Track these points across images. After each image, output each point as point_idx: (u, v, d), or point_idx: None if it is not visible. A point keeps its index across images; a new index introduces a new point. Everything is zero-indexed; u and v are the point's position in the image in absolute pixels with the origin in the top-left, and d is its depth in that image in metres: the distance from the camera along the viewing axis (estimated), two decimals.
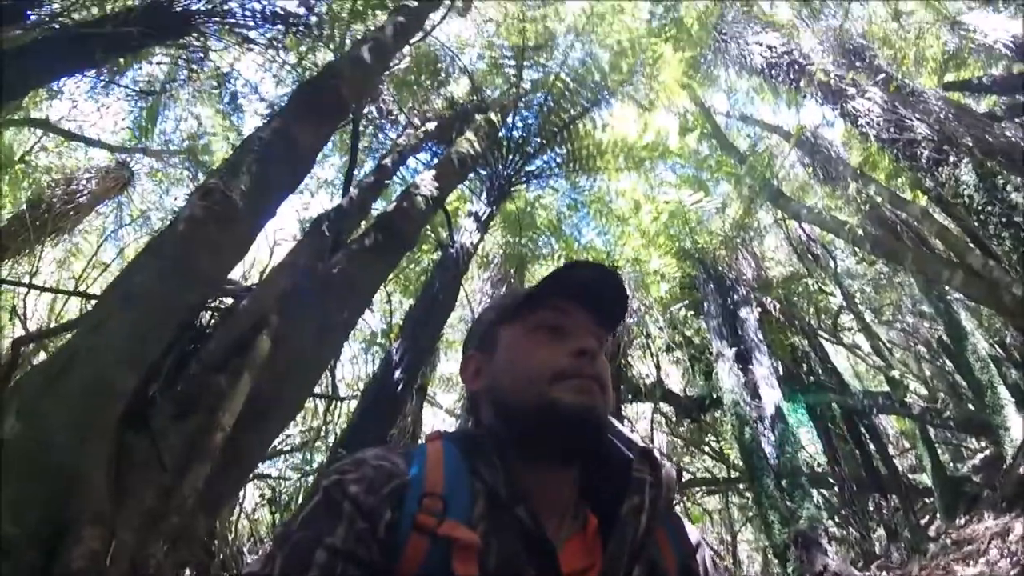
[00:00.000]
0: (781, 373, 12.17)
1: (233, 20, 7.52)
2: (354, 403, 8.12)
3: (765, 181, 11.52)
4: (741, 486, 13.90)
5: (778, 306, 13.33)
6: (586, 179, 11.58)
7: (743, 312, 11.94)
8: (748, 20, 10.37)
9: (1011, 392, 9.88)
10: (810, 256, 13.50)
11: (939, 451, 12.28)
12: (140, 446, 2.85)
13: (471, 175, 9.13)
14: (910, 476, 13.36)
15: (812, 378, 12.92)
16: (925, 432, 12.12)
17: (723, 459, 14.62)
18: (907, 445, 15.37)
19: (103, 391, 2.69)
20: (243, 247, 4.05)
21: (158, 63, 9.07)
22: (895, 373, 12.87)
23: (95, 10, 6.62)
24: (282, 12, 7.70)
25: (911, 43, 10.48)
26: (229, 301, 4.14)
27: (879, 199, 10.47)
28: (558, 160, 10.65)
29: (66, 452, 2.46)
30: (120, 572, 2.38)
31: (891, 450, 13.67)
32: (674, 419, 14.86)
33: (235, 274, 5.14)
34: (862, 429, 12.52)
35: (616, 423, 1.24)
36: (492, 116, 8.82)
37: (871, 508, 11.82)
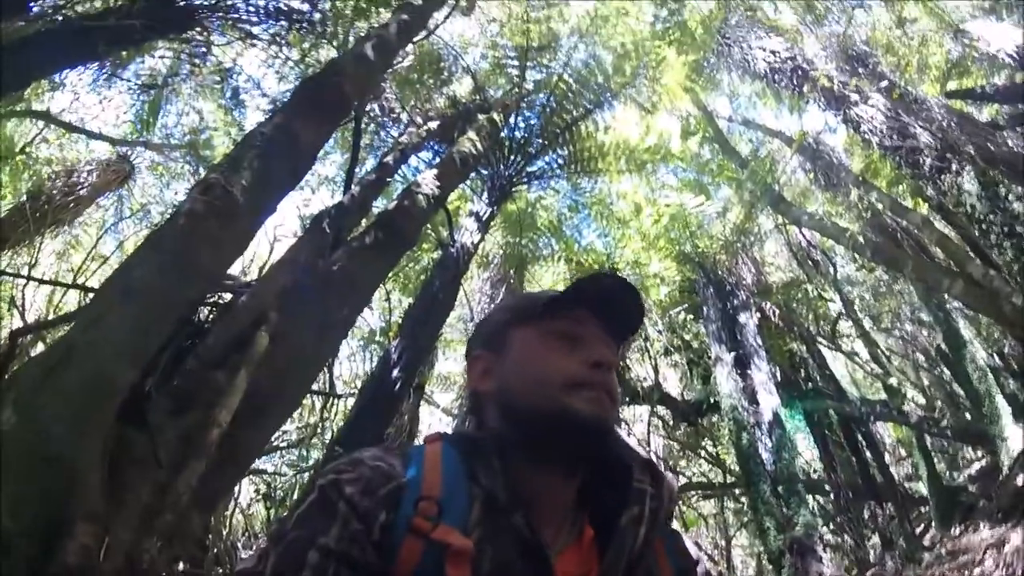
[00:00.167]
0: (779, 379, 12.17)
1: (236, 15, 7.52)
2: (351, 401, 8.12)
3: (766, 186, 11.51)
4: (737, 491, 13.89)
5: (777, 312, 13.34)
6: (587, 181, 11.58)
7: (742, 317, 11.95)
8: (752, 25, 10.36)
9: (1009, 402, 9.87)
10: (810, 262, 13.51)
11: (935, 460, 12.27)
12: (137, 442, 2.84)
13: (472, 175, 9.13)
14: (906, 484, 13.35)
15: (810, 384, 12.92)
16: (922, 440, 12.11)
17: (719, 464, 14.63)
18: (903, 453, 15.35)
19: (101, 386, 2.68)
20: (243, 243, 4.03)
21: (161, 57, 9.06)
22: (893, 381, 12.87)
23: (98, 3, 6.61)
24: (285, 8, 7.69)
25: (914, 51, 10.48)
26: (228, 297, 4.14)
27: (880, 206, 10.47)
28: (560, 161, 10.66)
29: (63, 447, 2.45)
30: (114, 568, 2.37)
31: (887, 458, 13.68)
32: (671, 423, 14.87)
33: (234, 270, 5.15)
34: (859, 436, 12.53)
35: (618, 431, 1.23)
36: (495, 116, 8.81)
37: (866, 516, 11.83)
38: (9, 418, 2.40)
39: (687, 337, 14.03)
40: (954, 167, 7.17)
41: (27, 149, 10.78)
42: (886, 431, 14.95)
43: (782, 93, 10.37)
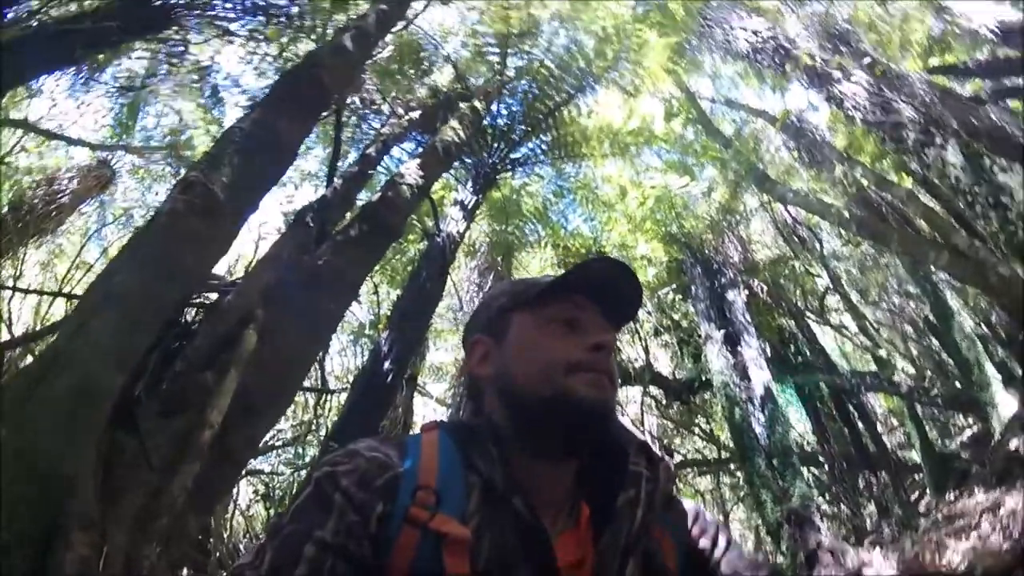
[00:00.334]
0: (769, 354, 12.22)
1: (213, 12, 7.47)
2: (344, 396, 8.13)
3: (751, 165, 11.53)
4: (732, 466, 13.99)
5: (765, 288, 13.38)
6: (572, 166, 11.58)
7: (730, 295, 11.98)
8: (733, 5, 10.33)
9: (998, 370, 9.93)
10: (796, 239, 13.53)
11: (927, 428, 12.36)
12: (128, 447, 2.83)
13: (456, 164, 9.11)
14: (899, 453, 13.44)
15: (800, 359, 12.99)
16: (913, 410, 12.19)
17: (713, 440, 14.71)
18: (895, 423, 15.46)
19: (89, 393, 2.67)
20: (227, 241, 4.01)
21: (138, 58, 8.94)
22: (882, 352, 12.95)
23: (73, 7, 6.54)
24: (263, 3, 7.65)
25: (896, 28, 10.47)
26: (214, 297, 4.12)
27: (864, 181, 10.49)
28: (543, 147, 10.64)
29: (54, 455, 2.44)
30: (114, 575, 2.37)
31: (880, 428, 13.76)
32: (664, 402, 14.92)
33: (220, 269, 5.12)
34: (851, 408, 12.61)
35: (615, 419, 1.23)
36: (476, 104, 8.78)
37: (861, 485, 11.92)
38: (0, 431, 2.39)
39: (676, 317, 14.08)
40: (938, 140, 7.19)
41: (6, 159, 10.66)
42: (877, 401, 15.03)
43: (764, 73, 10.34)
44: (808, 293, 14.30)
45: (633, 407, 13.65)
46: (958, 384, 10.95)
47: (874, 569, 8.22)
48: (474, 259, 12.69)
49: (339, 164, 6.85)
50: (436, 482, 1.04)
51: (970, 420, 12.83)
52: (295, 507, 1.00)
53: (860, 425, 12.49)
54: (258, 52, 8.37)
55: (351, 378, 10.22)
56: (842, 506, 11.81)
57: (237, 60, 8.82)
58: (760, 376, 10.60)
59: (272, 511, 8.27)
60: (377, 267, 8.41)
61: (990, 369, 9.82)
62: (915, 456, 12.07)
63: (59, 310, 9.44)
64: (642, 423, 13.05)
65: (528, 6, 9.53)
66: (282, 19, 7.90)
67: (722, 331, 11.35)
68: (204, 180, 3.56)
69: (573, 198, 12.81)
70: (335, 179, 6.17)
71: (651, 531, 1.12)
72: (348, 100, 8.64)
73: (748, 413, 10.30)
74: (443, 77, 10.25)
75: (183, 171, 10.88)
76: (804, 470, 10.18)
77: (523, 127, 10.09)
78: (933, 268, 10.16)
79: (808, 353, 13.02)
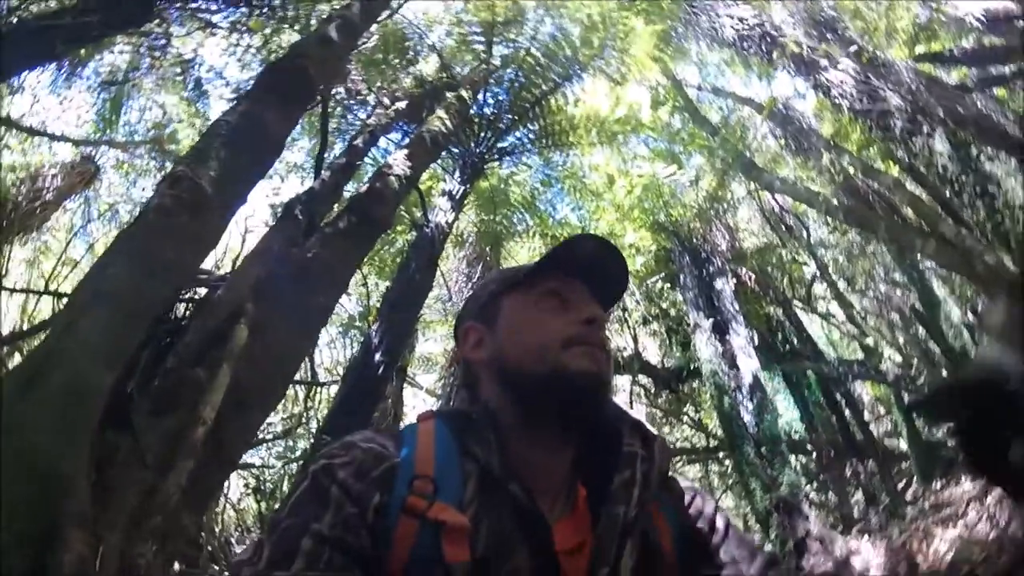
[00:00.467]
0: (757, 342, 12.28)
1: (195, 5, 7.40)
2: (334, 388, 8.10)
3: (738, 153, 11.56)
4: (721, 455, 14.07)
5: (753, 276, 13.43)
6: (559, 155, 11.60)
7: (719, 283, 12.02)
8: None
9: None
10: (783, 227, 13.58)
11: (914, 416, 12.47)
12: (122, 445, 2.81)
13: (443, 154, 9.08)
14: (886, 441, 13.54)
15: (788, 347, 13.06)
16: (900, 398, 12.28)
17: (702, 429, 14.80)
18: (882, 411, 15.59)
19: (80, 391, 2.63)
20: (215, 235, 3.97)
21: (120, 52, 8.88)
22: (869, 340, 13.03)
23: (53, 2, 6.45)
24: None
25: (882, 15, 10.49)
26: (203, 291, 4.09)
27: (851, 169, 10.54)
28: (530, 136, 10.65)
29: (46, 456, 2.41)
30: (110, 575, 2.35)
31: (867, 416, 13.88)
32: (653, 391, 14.99)
33: (208, 263, 5.07)
34: (838, 396, 12.70)
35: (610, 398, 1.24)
36: (463, 93, 8.74)
37: (849, 473, 12.02)
38: None
39: (665, 305, 14.12)
40: (925, 129, 7.22)
41: None
42: (864, 390, 15.16)
43: (751, 60, 10.36)
44: (795, 281, 14.37)
45: (622, 396, 13.68)
46: (945, 372, 11.04)
47: (862, 557, 8.30)
48: (462, 249, 12.69)
49: (326, 155, 6.81)
50: (433, 471, 1.03)
51: None
52: (292, 501, 1.00)
53: (848, 413, 12.60)
54: (241, 44, 8.30)
55: (341, 370, 10.20)
56: (830, 494, 11.92)
57: (220, 52, 8.75)
58: (748, 364, 10.67)
59: (263, 505, 8.24)
60: (366, 258, 8.37)
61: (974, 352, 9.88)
62: (902, 444, 12.16)
63: (46, 308, 9.37)
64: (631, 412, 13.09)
65: None
66: (265, 10, 7.84)
67: (710, 319, 11.39)
68: (191, 174, 3.52)
69: (561, 187, 12.86)
70: (322, 171, 6.13)
71: (648, 511, 1.12)
72: (334, 91, 8.59)
73: (737, 401, 10.37)
74: (429, 67, 10.20)
75: (168, 165, 10.85)
76: (792, 458, 10.24)
77: (510, 116, 10.09)
78: (920, 256, 10.22)
79: (796, 341, 13.11)
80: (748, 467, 9.59)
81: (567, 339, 1.14)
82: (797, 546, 8.30)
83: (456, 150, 9.69)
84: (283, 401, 7.96)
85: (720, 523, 1.22)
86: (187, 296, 3.98)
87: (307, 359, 7.00)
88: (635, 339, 13.49)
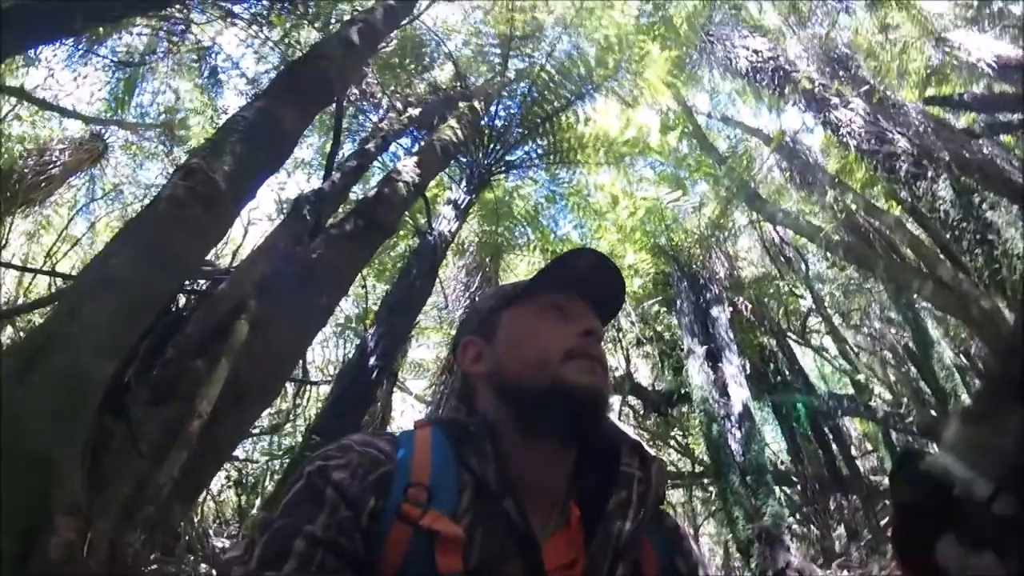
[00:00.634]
0: (749, 372, 12.30)
1: None
2: (325, 388, 8.09)
3: (742, 183, 11.61)
4: (706, 481, 14.07)
5: (749, 306, 13.46)
6: (565, 171, 11.61)
7: (715, 310, 12.04)
8: (736, 23, 10.42)
9: None
10: (782, 259, 13.66)
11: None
12: (117, 433, 2.80)
13: (451, 163, 9.09)
14: (872, 477, 13.57)
15: (779, 378, 13.08)
16: (888, 436, 12.33)
17: (688, 454, 14.80)
18: (870, 447, 15.64)
19: (80, 378, 2.62)
20: (223, 229, 3.99)
21: (138, 34, 8.87)
22: (861, 377, 13.07)
23: None
24: None
25: (895, 56, 10.58)
26: (206, 284, 4.09)
27: (854, 207, 10.60)
28: (539, 151, 10.67)
29: (43, 440, 2.40)
30: (98, 562, 2.35)
31: (854, 452, 13.90)
32: (642, 413, 14.99)
33: (209, 255, 5.08)
34: (826, 430, 12.72)
35: (608, 416, 1.23)
36: (475, 104, 8.76)
37: (833, 507, 12.03)
38: None
39: (659, 329, 14.12)
40: (930, 173, 7.28)
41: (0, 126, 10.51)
42: (853, 425, 15.19)
43: (762, 92, 10.43)
44: (791, 313, 14.43)
45: (611, 416, 13.68)
46: (934, 413, 11.07)
47: None
48: (463, 258, 12.69)
49: (336, 155, 6.82)
50: (428, 479, 1.03)
51: None
52: (286, 501, 0.99)
53: (835, 448, 12.62)
54: (260, 36, 8.31)
55: (331, 370, 10.19)
56: (813, 527, 11.92)
57: (238, 43, 8.77)
58: (739, 393, 10.67)
59: (244, 499, 8.22)
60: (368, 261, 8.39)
61: (967, 400, 9.92)
62: (887, 482, 12.20)
63: (43, 283, 9.36)
64: None
65: (532, 9, 9.54)
66: (286, 5, 7.86)
67: (704, 346, 11.40)
68: (206, 167, 3.53)
69: (565, 204, 12.87)
70: (333, 171, 6.13)
71: (639, 537, 1.10)
72: (348, 91, 8.61)
73: (725, 429, 10.37)
74: (443, 75, 10.25)
75: (176, 150, 10.86)
76: (777, 489, 10.24)
77: (520, 130, 10.11)
78: (916, 297, 10.27)
79: (787, 373, 13.13)
80: (732, 495, 9.58)
81: (566, 351, 1.13)
82: None
83: (464, 160, 9.69)
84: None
85: (701, 573, 1.22)
86: (190, 288, 3.98)
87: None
88: (628, 360, 13.51)
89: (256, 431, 8.96)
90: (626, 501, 1.09)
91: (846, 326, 14.29)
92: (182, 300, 3.89)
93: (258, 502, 7.94)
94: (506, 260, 13.08)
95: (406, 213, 8.39)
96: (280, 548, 0.91)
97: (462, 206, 9.10)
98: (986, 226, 6.90)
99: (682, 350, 12.14)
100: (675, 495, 16.16)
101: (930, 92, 10.61)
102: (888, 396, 12.73)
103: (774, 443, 12.72)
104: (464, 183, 9.49)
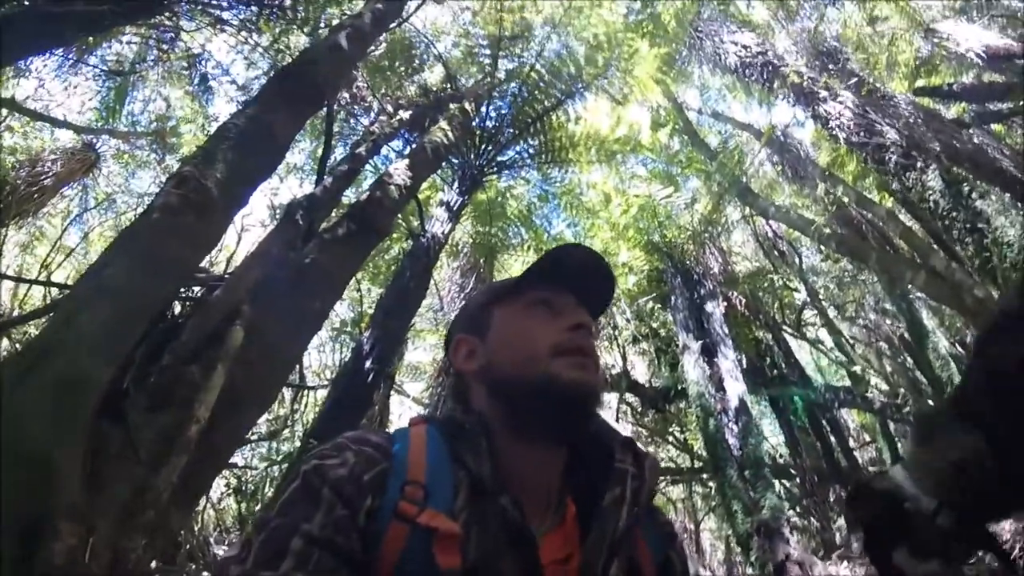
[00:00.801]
0: (745, 366, 12.33)
1: (206, 0, 7.41)
2: (322, 392, 8.09)
3: (734, 178, 11.63)
4: (704, 476, 14.07)
5: (744, 301, 13.48)
6: (558, 171, 11.59)
7: (709, 306, 12.05)
8: (724, 19, 10.45)
9: None
10: (776, 252, 13.68)
11: (899, 445, 12.53)
12: (115, 439, 2.82)
13: (443, 164, 9.09)
14: (870, 469, 13.59)
15: (776, 372, 13.10)
16: (886, 426, 12.36)
17: (687, 449, 14.79)
18: (867, 438, 15.67)
19: (78, 384, 2.64)
20: (217, 236, 4.00)
21: (128, 42, 8.88)
22: (857, 368, 13.11)
23: None
24: None
25: (884, 48, 10.63)
26: (201, 290, 4.10)
27: (846, 199, 10.64)
28: (530, 151, 10.66)
29: (42, 446, 2.41)
30: (100, 567, 2.36)
31: (852, 443, 13.93)
32: (639, 410, 15.00)
33: (203, 261, 5.09)
34: (824, 422, 12.75)
35: (599, 412, 1.25)
36: (466, 105, 8.77)
37: (832, 499, 12.05)
38: None
39: (655, 325, 14.12)
40: (919, 164, 7.31)
41: None
42: (850, 417, 15.22)
43: (752, 87, 10.46)
44: (786, 307, 14.44)
45: (608, 414, 13.69)
46: (931, 402, 11.11)
47: None
48: (457, 260, 12.69)
49: (328, 159, 6.82)
50: (424, 477, 1.03)
51: None
52: (282, 500, 0.99)
53: (833, 440, 12.63)
54: (249, 43, 8.31)
55: (329, 375, 10.19)
56: (812, 519, 11.93)
57: (228, 49, 8.77)
58: (735, 388, 10.69)
59: (244, 506, 8.21)
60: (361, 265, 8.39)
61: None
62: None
63: (38, 294, 9.33)
64: None
65: (521, 10, 9.55)
66: (275, 10, 7.86)
67: (699, 341, 11.42)
68: (198, 175, 3.54)
69: (557, 203, 12.88)
70: (324, 176, 6.14)
71: (632, 533, 1.12)
72: (338, 96, 8.61)
73: (722, 424, 10.39)
74: (434, 77, 10.25)
75: (168, 158, 10.86)
76: (776, 483, 10.26)
77: (511, 130, 10.10)
78: (910, 287, 10.30)
79: (784, 366, 13.14)
80: (731, 489, 9.60)
81: (556, 346, 1.15)
82: (777, 570, 8.32)
83: (456, 161, 9.69)
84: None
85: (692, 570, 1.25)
86: (185, 294, 3.99)
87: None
88: (624, 357, 13.51)
89: (255, 437, 8.96)
90: (620, 497, 1.11)
91: (841, 318, 14.33)
92: (177, 307, 3.90)
93: (258, 509, 7.94)
94: (500, 260, 13.07)
95: (399, 216, 8.40)
96: (277, 547, 0.91)
97: (455, 207, 9.09)
98: (976, 215, 6.94)
99: (677, 346, 12.16)
100: (675, 491, 16.18)
101: (920, 83, 10.66)
102: (885, 387, 12.78)
103: (772, 436, 12.73)
104: (456, 184, 9.48)
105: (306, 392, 8.49)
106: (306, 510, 0.95)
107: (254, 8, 7.78)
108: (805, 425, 12.70)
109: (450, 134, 7.80)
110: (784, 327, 14.10)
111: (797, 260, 13.26)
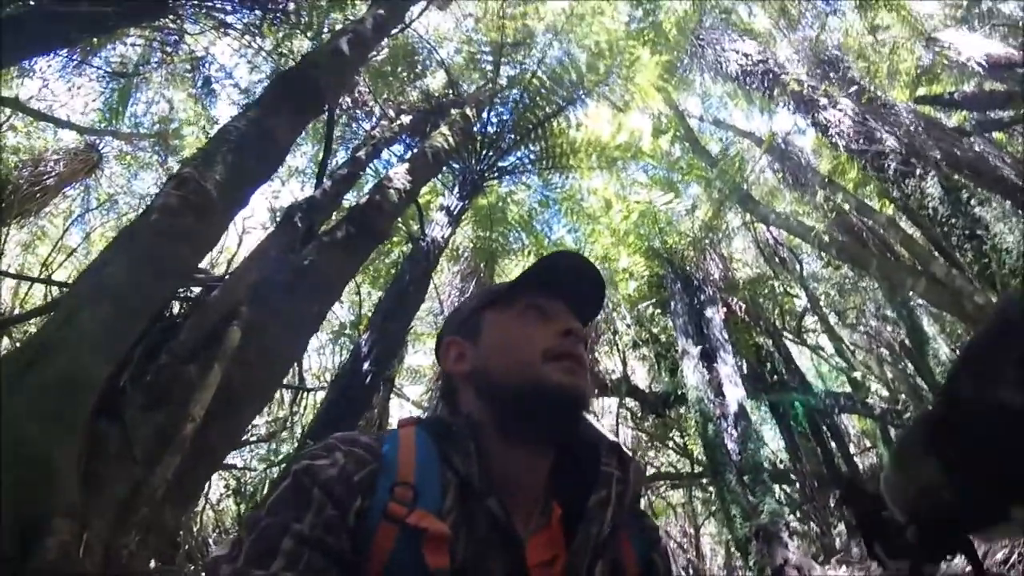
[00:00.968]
0: (745, 372, 12.33)
1: (211, 4, 7.44)
2: (320, 394, 8.10)
3: (735, 185, 11.64)
4: (704, 481, 14.05)
5: (744, 307, 13.48)
6: (558, 176, 11.60)
7: (709, 311, 12.06)
8: (726, 27, 10.48)
9: None
10: (777, 259, 13.68)
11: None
12: (112, 437, 2.84)
13: (444, 169, 9.12)
14: (870, 474, 13.57)
15: (776, 377, 13.10)
16: (886, 432, 12.34)
17: (687, 454, 14.76)
18: (868, 444, 15.64)
19: (76, 382, 2.66)
20: (216, 237, 4.04)
21: (132, 44, 8.91)
22: (857, 374, 13.10)
23: None
24: None
25: (885, 57, 10.64)
26: (199, 291, 4.12)
27: (846, 206, 10.64)
28: (531, 157, 10.67)
29: (39, 443, 2.43)
30: (94, 564, 2.38)
31: (852, 449, 13.91)
32: (639, 414, 15.00)
33: (203, 262, 5.11)
34: (824, 428, 12.73)
35: (586, 416, 1.25)
36: (467, 111, 8.80)
37: (831, 504, 12.03)
38: None
39: (655, 331, 14.11)
40: (918, 171, 7.33)
41: None
42: (850, 423, 15.20)
43: (753, 95, 10.49)
44: (786, 313, 14.45)
45: (609, 418, 13.70)
46: (931, 408, 11.09)
47: None
48: (457, 264, 12.70)
49: (328, 163, 6.84)
50: (414, 478, 1.04)
51: None
52: (273, 500, 0.99)
53: (832, 445, 12.62)
54: (253, 46, 8.35)
55: (328, 377, 10.20)
56: (812, 524, 11.91)
57: (231, 53, 8.81)
58: (734, 393, 10.69)
59: (243, 507, 8.21)
60: (360, 268, 8.40)
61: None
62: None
63: (39, 293, 9.36)
64: (617, 435, 13.07)
65: (523, 16, 9.59)
66: (279, 15, 7.89)
67: (699, 347, 11.42)
68: (198, 177, 3.57)
69: (558, 208, 12.90)
70: (324, 179, 6.16)
71: (618, 535, 1.13)
72: (340, 100, 8.64)
73: (721, 429, 10.38)
74: (435, 82, 10.28)
75: (170, 160, 10.89)
76: (776, 487, 10.25)
77: (512, 136, 10.11)
78: (911, 293, 10.30)
79: (784, 372, 13.14)
80: (730, 494, 9.59)
81: (547, 351, 1.15)
82: (775, 574, 8.31)
83: (457, 166, 9.71)
84: (268, 404, 7.98)
85: (663, 549, 1.26)
86: (183, 294, 4.01)
87: (295, 364, 7.01)
88: (624, 362, 13.52)
89: (253, 439, 8.96)
90: (605, 500, 1.12)
91: (842, 324, 14.33)
92: (175, 307, 3.92)
93: (257, 506, 7.93)
94: (500, 265, 13.07)
95: (399, 219, 8.42)
96: (268, 546, 0.92)
97: (455, 212, 9.11)
98: (975, 221, 6.95)
99: (677, 351, 12.16)
100: (675, 495, 16.16)
101: (921, 92, 10.67)
102: (885, 393, 12.77)
103: (772, 442, 12.71)
104: (457, 189, 9.50)
105: (305, 394, 8.50)
106: (296, 510, 0.96)
107: (258, 12, 7.82)
108: (805, 431, 12.67)
109: (451, 139, 7.84)
110: (785, 333, 14.09)
111: (798, 266, 13.26)
